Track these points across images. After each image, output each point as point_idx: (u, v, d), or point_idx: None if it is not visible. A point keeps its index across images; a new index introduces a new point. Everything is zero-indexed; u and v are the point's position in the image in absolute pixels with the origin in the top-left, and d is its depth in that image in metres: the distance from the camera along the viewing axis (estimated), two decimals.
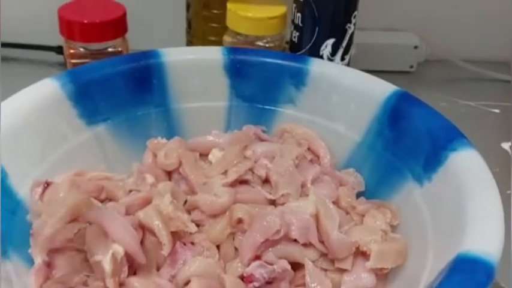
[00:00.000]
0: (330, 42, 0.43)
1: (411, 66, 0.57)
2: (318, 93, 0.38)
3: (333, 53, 0.43)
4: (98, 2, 0.44)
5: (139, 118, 0.38)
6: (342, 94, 0.37)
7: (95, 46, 0.43)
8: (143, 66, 0.38)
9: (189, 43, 0.52)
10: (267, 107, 0.40)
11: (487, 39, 0.58)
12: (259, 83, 0.40)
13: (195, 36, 0.51)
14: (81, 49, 0.43)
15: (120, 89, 0.37)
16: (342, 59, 0.44)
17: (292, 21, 0.44)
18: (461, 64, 0.56)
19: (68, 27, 0.42)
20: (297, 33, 0.44)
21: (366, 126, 0.36)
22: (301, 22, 0.43)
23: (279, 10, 0.44)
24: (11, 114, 0.31)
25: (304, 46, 0.44)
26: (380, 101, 0.35)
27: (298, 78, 0.39)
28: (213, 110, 0.40)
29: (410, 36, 0.57)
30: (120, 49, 0.44)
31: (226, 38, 0.46)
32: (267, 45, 0.45)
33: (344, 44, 0.43)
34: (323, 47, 0.43)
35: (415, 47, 0.56)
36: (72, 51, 0.43)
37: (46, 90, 0.33)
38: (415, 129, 0.33)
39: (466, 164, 0.29)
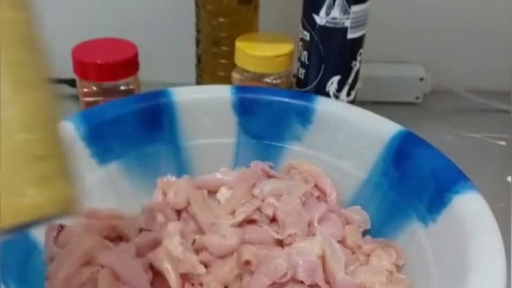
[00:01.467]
0: (336, 79, 0.44)
1: (417, 98, 0.58)
2: (324, 131, 0.39)
3: (339, 89, 0.44)
4: (110, 42, 0.46)
5: (149, 155, 0.39)
6: (348, 132, 0.38)
7: (108, 85, 0.44)
8: (154, 105, 0.39)
9: (199, 77, 0.53)
10: (274, 143, 0.41)
11: (492, 70, 0.58)
12: (267, 120, 0.41)
13: (204, 71, 0.52)
14: (94, 88, 0.44)
15: (131, 128, 0.38)
16: (348, 94, 0.45)
17: (299, 58, 0.45)
18: (467, 95, 0.56)
19: (82, 68, 0.43)
20: (303, 71, 0.45)
21: (372, 165, 0.37)
22: (308, 60, 0.44)
23: (286, 48, 0.45)
24: None
25: (310, 83, 0.45)
26: (385, 141, 0.36)
27: (305, 116, 0.40)
28: (221, 146, 0.41)
29: (416, 68, 0.58)
30: (132, 87, 0.45)
31: (235, 75, 0.47)
32: (274, 81, 0.46)
33: (350, 80, 0.44)
34: (329, 83, 0.44)
35: (421, 79, 0.57)
36: (85, 89, 0.44)
37: None
38: (420, 169, 0.34)
39: (469, 207, 0.30)
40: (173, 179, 0.38)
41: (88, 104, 0.44)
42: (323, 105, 0.39)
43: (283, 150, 0.40)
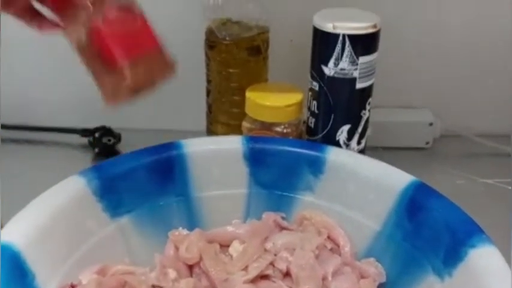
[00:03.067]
0: (346, 128, 0.44)
1: (427, 143, 0.58)
2: (335, 182, 0.39)
3: (349, 138, 0.44)
4: None
5: (161, 208, 0.39)
6: (359, 183, 0.38)
7: None
8: (165, 158, 0.39)
9: (209, 126, 0.54)
10: (286, 194, 0.41)
11: (500, 114, 0.59)
12: (278, 171, 0.41)
13: (215, 120, 0.53)
14: None
15: (143, 181, 0.38)
16: (358, 143, 0.45)
17: (308, 107, 0.46)
18: (477, 139, 0.56)
19: None
20: (313, 120, 0.45)
21: (385, 216, 0.36)
22: (317, 109, 0.44)
23: (296, 98, 0.46)
24: (40, 215, 0.32)
25: (320, 132, 0.45)
26: (397, 192, 0.36)
27: (316, 166, 0.40)
28: (232, 197, 0.41)
29: (425, 113, 0.58)
30: None
31: (245, 124, 0.47)
32: (285, 130, 0.46)
33: (360, 129, 0.44)
34: (339, 132, 0.44)
35: (430, 124, 0.57)
36: None
37: (73, 188, 0.34)
38: (434, 221, 0.33)
39: (485, 261, 0.29)
40: (185, 232, 0.38)
41: None
42: (334, 155, 0.39)
43: (295, 200, 0.40)
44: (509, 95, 0.58)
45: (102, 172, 0.36)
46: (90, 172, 0.36)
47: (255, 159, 0.41)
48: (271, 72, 0.53)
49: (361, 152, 0.45)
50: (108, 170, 0.37)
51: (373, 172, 0.38)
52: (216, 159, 0.40)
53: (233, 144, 0.41)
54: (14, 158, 0.54)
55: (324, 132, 0.45)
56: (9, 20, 0.52)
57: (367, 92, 0.44)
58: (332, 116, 0.44)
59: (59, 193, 0.34)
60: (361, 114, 0.44)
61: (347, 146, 0.45)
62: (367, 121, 0.45)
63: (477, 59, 0.58)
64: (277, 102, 0.45)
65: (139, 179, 0.38)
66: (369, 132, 0.46)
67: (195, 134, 0.48)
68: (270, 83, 0.52)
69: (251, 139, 0.41)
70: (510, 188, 0.51)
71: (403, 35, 0.57)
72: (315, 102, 0.44)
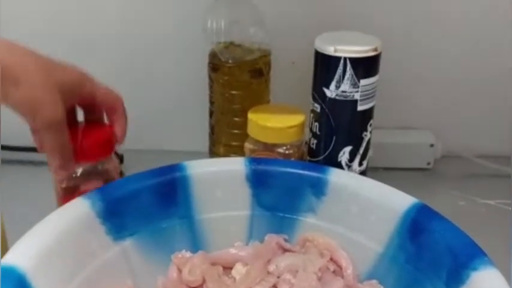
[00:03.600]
0: (347, 149, 0.44)
1: (428, 163, 0.58)
2: (337, 203, 0.39)
3: (351, 159, 0.45)
4: (88, 124, 0.42)
5: (164, 230, 0.39)
6: (361, 205, 0.38)
7: (86, 168, 0.40)
8: (169, 180, 0.39)
9: (212, 147, 0.54)
10: (288, 215, 0.41)
11: (500, 135, 0.59)
12: (281, 192, 0.41)
13: (217, 141, 0.53)
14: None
15: (146, 203, 0.38)
16: (360, 164, 0.45)
17: (310, 129, 0.46)
18: (477, 160, 0.57)
19: None
20: (315, 141, 0.45)
21: (387, 238, 0.37)
22: (319, 131, 0.45)
23: (298, 119, 0.46)
24: (45, 237, 0.32)
25: (322, 153, 0.45)
26: (399, 214, 0.36)
27: (318, 188, 0.40)
28: (235, 219, 0.41)
29: (426, 134, 0.58)
30: (109, 167, 0.41)
31: (248, 145, 0.48)
32: (287, 152, 0.46)
33: (361, 150, 0.45)
34: (341, 153, 0.45)
35: (431, 145, 0.57)
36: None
37: (77, 210, 0.35)
38: (436, 244, 0.33)
39: (487, 284, 0.29)
40: (188, 254, 0.38)
41: (66, 190, 0.40)
42: (336, 177, 0.40)
43: (297, 222, 0.40)
44: (509, 116, 0.59)
45: (106, 195, 0.36)
46: (94, 195, 0.36)
47: (258, 180, 0.41)
48: (274, 94, 0.53)
49: (363, 173, 0.46)
50: (112, 192, 0.37)
51: (375, 194, 0.38)
52: (219, 181, 0.40)
53: (236, 165, 0.41)
54: (18, 179, 0.55)
55: (326, 153, 0.45)
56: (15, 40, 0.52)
57: (368, 114, 0.44)
58: (334, 138, 0.44)
59: (63, 216, 0.34)
60: (363, 135, 0.44)
61: (349, 167, 0.45)
62: (368, 143, 0.45)
63: (477, 81, 0.59)
64: (279, 123, 0.46)
65: (142, 201, 0.38)
66: (370, 153, 0.47)
67: (198, 155, 0.48)
68: (272, 105, 0.52)
69: (254, 161, 0.42)
70: (511, 209, 0.51)
71: (405, 58, 0.57)
72: (316, 124, 0.45)
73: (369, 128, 0.45)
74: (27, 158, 0.58)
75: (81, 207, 0.35)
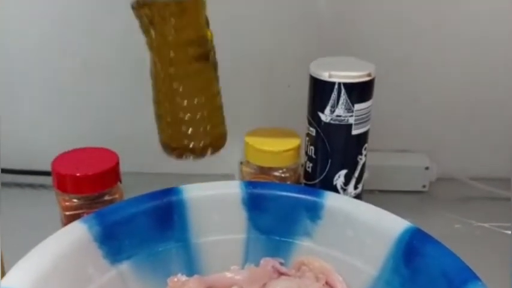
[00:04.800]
0: (343, 173, 0.45)
1: (424, 186, 0.58)
2: (333, 227, 0.39)
3: (346, 183, 0.45)
4: (92, 152, 0.45)
5: (160, 254, 0.39)
6: (357, 229, 0.38)
7: (90, 197, 0.42)
8: (165, 203, 0.40)
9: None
10: (284, 239, 0.41)
11: (495, 158, 0.60)
12: (276, 216, 0.41)
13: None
14: (75, 200, 0.42)
15: (143, 227, 0.38)
16: (355, 188, 0.46)
17: (306, 152, 0.47)
18: (472, 183, 0.57)
19: (61, 181, 0.42)
20: (311, 165, 0.46)
21: (382, 262, 0.37)
22: (314, 154, 0.45)
23: (293, 143, 0.47)
24: (42, 261, 0.32)
25: (318, 177, 0.46)
26: (394, 238, 0.36)
27: (314, 212, 0.40)
28: (231, 242, 0.41)
29: (421, 157, 0.59)
30: (116, 196, 0.44)
31: (244, 168, 0.48)
32: (283, 175, 0.47)
33: (356, 174, 0.45)
34: (336, 177, 0.45)
35: (426, 168, 0.58)
36: (67, 203, 0.42)
37: (74, 234, 0.35)
38: (430, 268, 0.34)
39: None
40: (183, 278, 0.38)
41: (70, 218, 0.42)
42: (332, 201, 0.40)
43: (293, 246, 0.41)
44: (503, 138, 0.59)
45: (103, 219, 0.37)
46: (91, 219, 0.36)
47: (254, 204, 0.41)
48: (269, 118, 0.54)
49: (358, 196, 0.46)
50: (109, 216, 0.37)
51: (370, 218, 0.38)
52: (215, 205, 0.41)
53: (232, 189, 0.41)
54: (17, 202, 0.55)
55: (322, 177, 0.45)
56: (15, 66, 0.54)
57: (363, 137, 0.45)
58: (329, 161, 0.45)
59: (60, 240, 0.34)
60: (358, 159, 0.45)
61: (344, 190, 0.45)
62: (363, 166, 0.46)
63: (472, 104, 0.60)
64: (275, 147, 0.46)
65: (139, 225, 0.38)
66: (366, 175, 0.47)
67: (194, 177, 0.48)
68: (268, 128, 0.53)
69: (250, 184, 0.42)
70: (510, 232, 0.52)
71: (399, 81, 0.58)
72: (312, 148, 0.45)
73: (364, 152, 0.45)
74: (27, 181, 0.58)
75: (78, 231, 0.35)
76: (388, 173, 0.58)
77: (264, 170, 0.47)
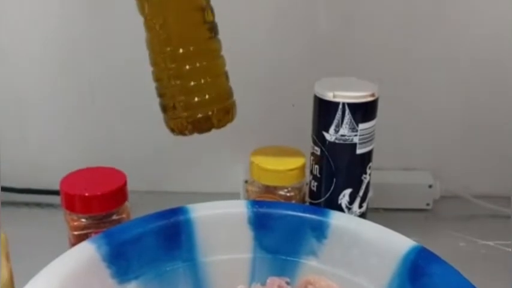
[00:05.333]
0: (347, 192, 0.45)
1: (428, 204, 0.59)
2: (339, 246, 0.40)
3: (351, 201, 0.45)
4: (100, 172, 0.45)
5: (167, 273, 0.39)
6: (362, 248, 0.39)
7: (98, 216, 0.43)
8: (173, 223, 0.40)
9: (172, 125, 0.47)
10: (290, 258, 0.41)
11: (498, 175, 0.60)
12: (282, 235, 0.41)
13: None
14: (83, 220, 0.43)
15: (151, 246, 0.39)
16: (360, 206, 0.46)
17: (311, 171, 0.47)
18: (477, 201, 0.57)
19: (69, 201, 0.42)
20: (316, 183, 0.46)
21: (388, 281, 0.37)
22: (319, 173, 0.46)
23: (298, 162, 0.47)
24: (51, 281, 0.32)
25: (323, 196, 0.46)
26: (399, 257, 0.37)
27: (320, 231, 0.41)
28: (238, 262, 0.41)
29: (424, 175, 0.59)
30: (124, 215, 0.44)
31: (250, 187, 0.49)
32: (288, 194, 0.47)
33: (361, 193, 0.46)
34: (341, 196, 0.45)
35: (430, 186, 0.58)
36: (75, 223, 0.43)
37: (83, 254, 0.35)
38: (435, 287, 0.34)
39: None
40: None
41: (78, 237, 0.42)
42: (337, 220, 0.40)
43: (299, 265, 0.41)
44: (507, 156, 0.60)
45: (111, 238, 0.37)
46: (100, 238, 0.37)
47: (260, 223, 0.41)
48: (275, 137, 0.54)
49: (363, 215, 0.46)
50: (117, 236, 0.37)
51: (375, 237, 0.38)
52: (222, 224, 0.41)
53: (238, 208, 0.42)
54: (25, 221, 0.56)
55: (327, 196, 0.46)
56: (24, 87, 0.54)
57: (367, 156, 0.45)
58: (334, 180, 0.45)
59: (69, 260, 0.34)
60: (362, 178, 0.45)
61: (349, 209, 0.46)
62: (368, 185, 0.46)
63: (475, 122, 0.60)
64: (280, 166, 0.47)
65: (147, 244, 0.38)
66: (370, 194, 0.47)
67: (200, 195, 0.49)
68: (273, 147, 0.53)
69: (256, 203, 0.42)
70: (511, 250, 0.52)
71: (403, 99, 0.59)
72: (317, 167, 0.46)
73: (368, 171, 0.46)
74: (35, 200, 0.58)
75: (86, 251, 0.35)
76: (392, 191, 0.58)
77: (269, 189, 0.47)
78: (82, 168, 0.45)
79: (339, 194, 0.45)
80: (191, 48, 0.42)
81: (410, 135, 0.61)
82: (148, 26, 0.43)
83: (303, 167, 0.48)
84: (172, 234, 0.40)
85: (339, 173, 0.45)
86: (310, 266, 0.40)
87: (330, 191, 0.45)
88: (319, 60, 0.58)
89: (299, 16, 0.57)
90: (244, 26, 0.57)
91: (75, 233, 0.43)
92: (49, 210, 0.58)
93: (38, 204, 0.58)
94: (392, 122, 0.58)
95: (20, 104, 0.60)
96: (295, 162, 0.47)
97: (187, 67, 0.43)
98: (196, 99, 0.43)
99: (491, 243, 0.53)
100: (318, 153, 0.46)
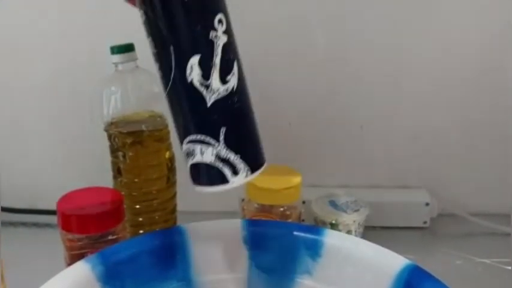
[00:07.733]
0: (195, 61, 0.32)
1: (425, 222, 0.59)
2: (333, 265, 0.40)
3: (205, 75, 0.32)
4: (96, 192, 0.45)
5: None
6: (356, 266, 0.39)
7: (94, 236, 0.43)
8: (168, 243, 0.40)
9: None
10: (285, 277, 0.41)
11: (495, 193, 0.60)
12: (277, 254, 0.41)
13: None
14: (79, 240, 0.43)
15: (146, 266, 0.39)
16: (224, 81, 0.33)
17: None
18: (473, 219, 0.57)
19: (66, 221, 0.43)
20: (157, 65, 0.33)
21: None
22: (155, 48, 0.33)
23: (294, 180, 0.47)
24: None
25: (166, 79, 0.33)
26: (393, 275, 0.37)
27: (314, 250, 0.41)
28: (233, 281, 0.41)
29: (422, 193, 0.60)
30: (120, 235, 0.44)
31: (246, 206, 0.49)
32: (284, 212, 0.47)
33: (216, 60, 0.32)
34: (188, 70, 0.32)
35: (427, 204, 0.58)
36: (71, 243, 0.43)
37: (78, 274, 0.35)
38: None
39: None
40: None
41: (74, 257, 0.42)
42: (331, 239, 0.40)
43: (294, 284, 0.41)
44: (504, 174, 0.60)
45: (106, 258, 0.37)
46: (95, 258, 0.37)
47: (255, 242, 0.42)
48: (270, 155, 0.55)
49: (233, 94, 0.34)
50: (112, 256, 0.38)
51: (369, 255, 0.38)
52: (217, 244, 0.41)
53: (233, 228, 0.42)
54: (22, 241, 0.56)
55: (172, 76, 0.32)
56: (22, 108, 0.55)
57: (210, 2, 0.32)
58: (171, 50, 0.32)
59: (64, 280, 0.34)
60: (211, 37, 0.32)
61: (207, 88, 0.32)
62: (227, 48, 0.32)
63: (472, 138, 0.60)
64: (276, 185, 0.47)
65: (142, 264, 0.38)
66: (367, 211, 0.47)
67: (195, 214, 0.49)
68: (268, 166, 0.54)
69: (251, 223, 0.43)
70: (511, 268, 0.52)
71: (398, 118, 0.59)
72: (150, 41, 0.33)
73: (219, 26, 0.32)
74: (32, 220, 0.59)
75: (81, 270, 0.36)
76: (389, 209, 0.58)
77: (265, 208, 0.48)
78: (79, 189, 0.46)
79: (184, 69, 0.32)
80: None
81: (408, 154, 0.61)
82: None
83: (298, 186, 0.48)
84: (167, 254, 0.40)
85: (172, 35, 0.31)
86: (305, 285, 0.40)
87: (172, 68, 0.32)
88: (314, 80, 0.58)
89: (295, 38, 0.58)
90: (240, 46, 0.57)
91: (72, 252, 0.43)
92: (46, 230, 0.58)
93: (36, 224, 0.58)
94: (389, 140, 0.58)
95: (17, 126, 0.60)
96: (291, 181, 0.47)
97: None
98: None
99: (488, 261, 0.53)
100: (144, 17, 0.32)
